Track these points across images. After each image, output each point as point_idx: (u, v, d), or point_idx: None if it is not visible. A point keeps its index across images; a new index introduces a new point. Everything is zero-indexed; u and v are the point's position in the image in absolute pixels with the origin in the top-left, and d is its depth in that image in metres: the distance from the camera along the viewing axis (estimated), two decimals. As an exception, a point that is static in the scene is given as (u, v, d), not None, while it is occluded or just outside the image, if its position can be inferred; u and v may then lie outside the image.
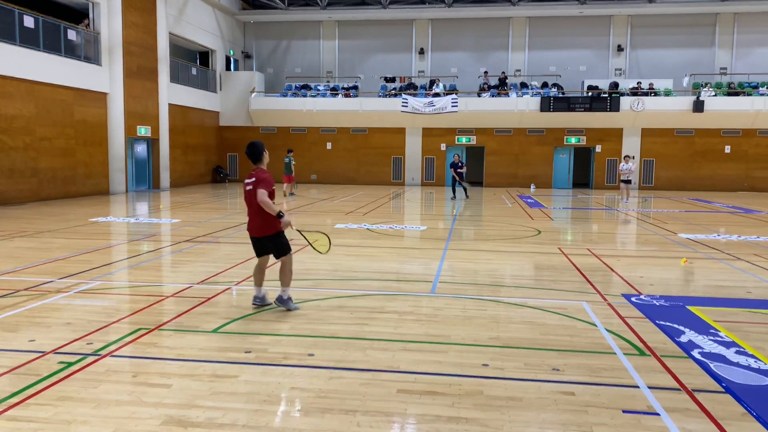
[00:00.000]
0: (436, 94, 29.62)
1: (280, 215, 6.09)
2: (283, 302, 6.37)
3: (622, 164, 21.78)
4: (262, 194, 6.01)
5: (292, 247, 6.42)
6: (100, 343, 5.21)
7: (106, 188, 22.28)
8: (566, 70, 31.33)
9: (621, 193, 22.23)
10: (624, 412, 3.96)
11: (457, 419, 3.83)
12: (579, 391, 4.28)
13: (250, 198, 6.18)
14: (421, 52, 32.29)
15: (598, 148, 29.56)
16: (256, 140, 6.46)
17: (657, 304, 6.79)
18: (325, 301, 6.81)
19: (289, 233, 6.57)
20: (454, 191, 22.18)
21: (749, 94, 28.18)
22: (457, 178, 21.70)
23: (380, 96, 30.51)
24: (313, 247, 6.53)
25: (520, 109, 28.89)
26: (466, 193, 22.36)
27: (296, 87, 31.59)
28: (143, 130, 23.84)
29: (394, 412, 3.93)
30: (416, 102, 29.07)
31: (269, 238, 6.26)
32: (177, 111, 26.75)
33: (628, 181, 21.66)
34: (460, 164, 21.80)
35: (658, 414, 3.93)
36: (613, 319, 6.17)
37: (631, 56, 31.16)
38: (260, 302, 6.51)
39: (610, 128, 29.24)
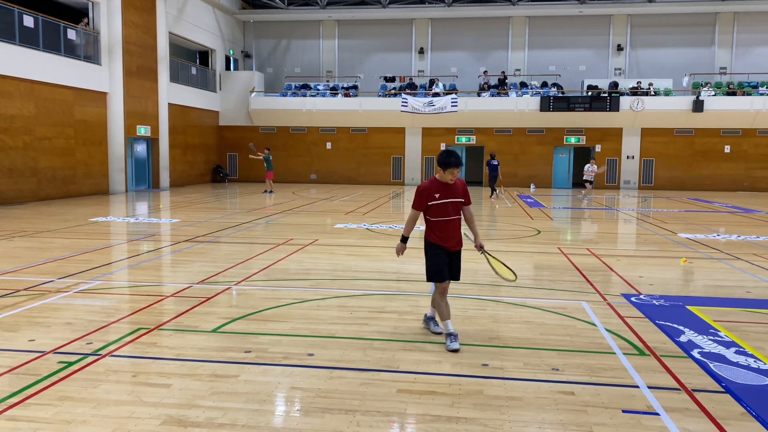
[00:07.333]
0: (436, 94, 29.61)
1: (403, 239, 5.70)
2: (426, 321, 5.76)
3: (587, 165, 22.20)
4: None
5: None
6: (99, 342, 5.21)
7: (105, 188, 22.27)
8: (566, 69, 31.32)
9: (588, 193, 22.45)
10: (623, 411, 3.96)
11: (457, 419, 3.83)
12: (578, 391, 4.29)
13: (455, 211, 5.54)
14: (421, 51, 32.28)
15: (598, 148, 29.54)
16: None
17: (657, 303, 6.79)
18: (325, 301, 6.81)
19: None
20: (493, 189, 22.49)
21: (749, 94, 28.16)
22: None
23: (380, 96, 30.49)
24: (497, 272, 5.82)
25: (520, 108, 28.88)
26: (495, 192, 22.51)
27: (296, 87, 31.58)
28: (143, 130, 23.83)
29: (394, 412, 3.93)
30: (416, 102, 29.05)
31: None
32: (177, 110, 26.73)
33: (591, 182, 22.16)
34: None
35: (657, 414, 3.93)
36: (612, 318, 6.17)
37: (631, 56, 31.16)
38: (427, 322, 5.75)
39: (610, 128, 29.23)
